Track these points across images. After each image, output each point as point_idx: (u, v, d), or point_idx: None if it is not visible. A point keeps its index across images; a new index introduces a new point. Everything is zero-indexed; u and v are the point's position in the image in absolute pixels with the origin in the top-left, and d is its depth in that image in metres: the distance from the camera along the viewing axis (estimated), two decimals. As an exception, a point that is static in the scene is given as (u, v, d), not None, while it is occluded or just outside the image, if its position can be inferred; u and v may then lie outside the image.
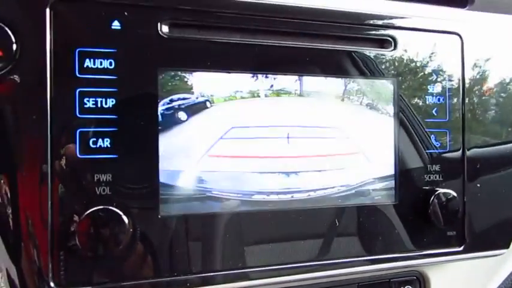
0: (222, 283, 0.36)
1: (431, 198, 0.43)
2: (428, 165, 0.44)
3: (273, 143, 0.39)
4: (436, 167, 0.44)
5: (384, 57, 0.43)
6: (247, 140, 0.38)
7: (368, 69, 0.42)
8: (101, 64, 0.34)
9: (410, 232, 0.44)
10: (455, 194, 0.44)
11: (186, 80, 0.36)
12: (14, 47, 0.31)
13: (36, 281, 0.32)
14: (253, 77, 0.38)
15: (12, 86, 0.31)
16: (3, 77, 0.31)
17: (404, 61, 0.44)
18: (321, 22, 0.40)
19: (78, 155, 0.33)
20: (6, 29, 0.31)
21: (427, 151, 0.44)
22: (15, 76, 0.31)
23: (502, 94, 0.49)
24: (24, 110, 0.32)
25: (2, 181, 0.31)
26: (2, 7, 0.31)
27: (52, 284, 0.32)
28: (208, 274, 0.36)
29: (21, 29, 0.32)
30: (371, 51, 0.42)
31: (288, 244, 0.39)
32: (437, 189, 0.43)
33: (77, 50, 0.33)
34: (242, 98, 0.38)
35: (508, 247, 0.48)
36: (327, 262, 0.40)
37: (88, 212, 0.32)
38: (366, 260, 0.42)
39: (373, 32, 0.43)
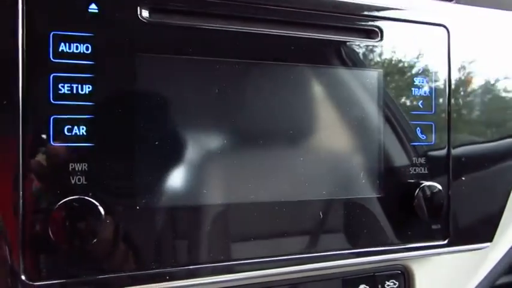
0: (195, 277, 0.35)
1: (416, 191, 0.43)
2: (414, 158, 0.44)
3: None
4: (422, 160, 0.44)
5: (369, 47, 0.42)
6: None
7: (354, 60, 0.41)
8: (76, 49, 0.32)
9: (395, 225, 0.43)
10: (440, 188, 0.44)
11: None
12: None
13: (7, 274, 0.31)
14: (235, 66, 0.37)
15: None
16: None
17: (391, 52, 0.43)
18: (307, 11, 0.40)
19: (52, 143, 0.32)
20: None
21: (412, 144, 0.44)
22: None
23: (491, 89, 0.49)
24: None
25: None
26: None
27: (23, 277, 0.31)
28: (186, 268, 0.35)
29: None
30: (358, 42, 0.42)
31: (272, 237, 0.38)
32: (422, 182, 0.43)
33: (51, 34, 0.32)
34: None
35: (491, 241, 0.48)
36: (311, 255, 0.40)
37: (62, 202, 0.31)
38: (351, 253, 0.42)
39: (361, 23, 0.42)
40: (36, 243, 0.31)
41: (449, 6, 0.51)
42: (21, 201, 0.31)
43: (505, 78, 0.50)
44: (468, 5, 0.53)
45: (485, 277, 0.55)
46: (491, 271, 0.55)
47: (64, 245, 0.31)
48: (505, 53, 0.51)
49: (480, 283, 0.54)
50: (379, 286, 0.49)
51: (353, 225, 0.41)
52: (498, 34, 0.51)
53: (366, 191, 0.41)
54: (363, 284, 0.48)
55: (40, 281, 0.31)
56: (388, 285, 0.49)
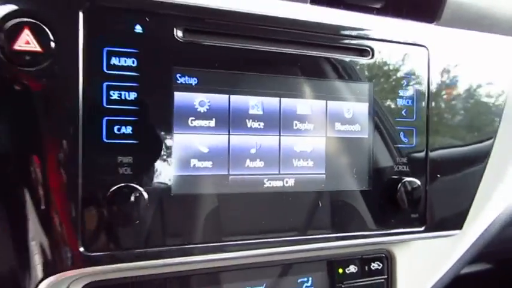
0: (215, 252, 0.43)
1: (399, 186, 0.51)
2: (397, 158, 0.52)
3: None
4: (404, 160, 0.52)
5: (362, 64, 0.50)
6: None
7: (348, 74, 0.49)
8: (125, 62, 0.39)
9: (380, 214, 0.51)
10: (419, 183, 0.52)
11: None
12: (53, 45, 0.36)
13: (68, 246, 0.37)
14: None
15: (51, 78, 0.37)
16: (44, 70, 0.36)
17: (380, 68, 0.51)
18: (311, 33, 0.47)
19: (104, 140, 0.38)
20: (46, 28, 0.36)
21: (396, 146, 0.52)
22: (53, 70, 0.37)
23: (463, 100, 0.58)
24: (60, 100, 0.37)
25: (43, 161, 0.37)
26: (42, 9, 0.36)
27: (81, 249, 0.37)
28: (209, 244, 0.42)
29: (59, 30, 0.37)
30: (352, 59, 0.49)
31: (274, 221, 0.46)
32: (404, 178, 0.51)
33: (105, 49, 0.39)
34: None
35: (461, 228, 0.56)
36: (302, 238, 0.47)
37: (114, 188, 0.38)
38: (342, 236, 0.49)
39: (355, 42, 0.50)
40: (92, 221, 0.38)
41: (430, 27, 0.59)
42: (80, 187, 0.37)
43: (476, 92, 0.59)
44: (446, 26, 0.61)
45: (455, 263, 0.63)
46: (460, 258, 0.63)
47: (114, 222, 0.38)
48: (477, 69, 0.59)
49: (451, 268, 0.62)
50: (366, 267, 0.56)
51: (345, 213, 0.49)
52: (472, 52, 0.59)
53: (357, 184, 0.49)
54: (352, 264, 0.55)
55: (95, 252, 0.38)
56: (373, 267, 0.57)
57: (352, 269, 0.55)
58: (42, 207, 0.37)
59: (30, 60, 0.36)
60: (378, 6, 0.62)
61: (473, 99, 0.58)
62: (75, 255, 0.37)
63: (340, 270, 0.55)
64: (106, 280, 0.43)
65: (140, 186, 0.39)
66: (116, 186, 0.38)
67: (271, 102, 0.45)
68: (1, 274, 0.41)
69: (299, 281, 0.53)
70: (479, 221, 0.64)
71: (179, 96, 0.41)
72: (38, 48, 0.36)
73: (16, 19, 0.35)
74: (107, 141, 0.39)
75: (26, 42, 0.36)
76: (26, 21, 0.36)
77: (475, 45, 0.60)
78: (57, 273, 0.38)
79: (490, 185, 0.62)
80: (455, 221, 0.56)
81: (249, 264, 0.49)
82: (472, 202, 0.57)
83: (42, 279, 0.38)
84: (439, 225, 0.54)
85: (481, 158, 0.59)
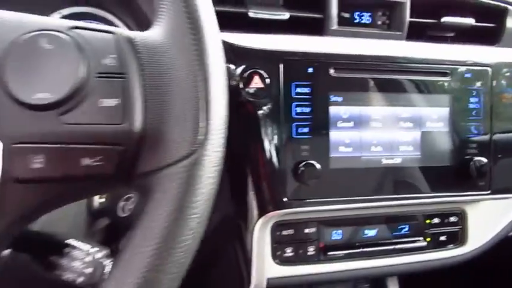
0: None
1: (471, 163, 0.75)
2: (469, 144, 0.75)
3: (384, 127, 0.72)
4: (474, 145, 0.76)
5: (443, 81, 0.74)
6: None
7: (435, 89, 0.74)
8: (303, 90, 0.67)
9: (457, 182, 0.75)
10: (485, 161, 0.75)
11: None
12: (268, 81, 0.65)
13: (277, 198, 0.66)
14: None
15: (268, 101, 0.65)
16: (264, 97, 0.65)
17: (456, 83, 0.75)
18: (409, 64, 0.72)
19: (294, 136, 0.67)
20: (263, 73, 0.65)
21: (468, 135, 0.76)
22: (269, 97, 0.65)
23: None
24: (272, 113, 0.65)
25: (262, 147, 0.65)
26: (263, 63, 0.65)
27: (285, 199, 0.66)
28: (350, 198, 0.70)
29: (271, 74, 0.65)
30: (437, 79, 0.74)
31: (384, 186, 0.72)
32: (474, 157, 0.75)
33: (293, 83, 0.67)
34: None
35: (517, 194, 0.79)
36: (404, 196, 0.73)
37: (300, 164, 0.66)
38: (429, 196, 0.74)
39: (438, 66, 0.74)
40: (291, 181, 0.66)
41: (492, 50, 0.82)
42: (281, 163, 0.66)
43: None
44: (507, 47, 0.83)
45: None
46: None
47: (301, 183, 0.66)
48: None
49: (509, 223, 0.85)
50: (445, 220, 0.81)
51: (433, 181, 0.74)
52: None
53: (442, 162, 0.74)
54: (436, 217, 0.80)
55: (292, 200, 0.66)
56: (451, 220, 0.81)
57: (436, 220, 0.80)
58: (262, 173, 0.66)
59: (257, 93, 0.64)
60: (451, 35, 0.86)
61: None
62: (281, 201, 0.66)
63: (428, 221, 0.80)
64: (297, 219, 0.72)
65: (314, 161, 0.67)
66: (301, 163, 0.66)
67: (386, 110, 0.71)
68: (227, 217, 0.71)
69: (399, 227, 0.79)
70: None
71: (332, 109, 0.69)
72: (261, 86, 0.65)
73: (249, 70, 0.64)
74: (295, 136, 0.67)
75: (255, 83, 0.64)
76: (255, 71, 0.64)
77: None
78: (268, 213, 0.67)
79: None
80: (512, 187, 0.79)
81: (369, 214, 0.76)
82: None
83: (259, 218, 0.68)
84: (500, 190, 0.77)
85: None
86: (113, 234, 0.59)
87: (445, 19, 0.80)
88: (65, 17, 0.71)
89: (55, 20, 0.33)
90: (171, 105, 0.32)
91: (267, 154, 0.66)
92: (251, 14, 0.69)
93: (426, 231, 0.80)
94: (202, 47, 0.33)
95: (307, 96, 0.67)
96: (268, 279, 0.71)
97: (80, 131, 0.31)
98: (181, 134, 0.32)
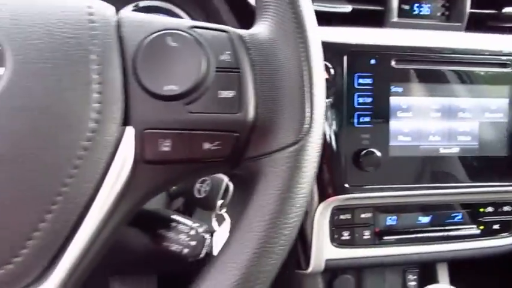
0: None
1: (526, 154, 0.76)
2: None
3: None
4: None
5: (503, 72, 0.75)
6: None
7: (494, 80, 0.75)
8: (365, 81, 0.70)
9: (513, 172, 0.77)
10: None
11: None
12: (332, 72, 0.68)
13: (338, 184, 0.70)
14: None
15: (331, 95, 0.68)
16: (329, 90, 0.67)
17: (515, 74, 0.76)
18: (469, 55, 0.74)
19: (356, 125, 0.70)
20: (328, 64, 0.67)
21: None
22: (331, 89, 0.68)
23: None
24: (337, 103, 0.69)
25: (325, 135, 0.69)
26: (329, 56, 0.67)
27: (346, 185, 0.70)
28: (409, 185, 0.72)
29: (335, 66, 0.68)
30: (497, 70, 0.75)
31: (441, 174, 0.74)
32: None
33: (356, 75, 0.69)
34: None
35: None
36: (460, 185, 0.75)
37: (362, 151, 0.69)
38: (484, 185, 0.76)
39: (498, 58, 0.75)
40: (351, 168, 0.69)
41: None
42: (345, 151, 0.69)
43: None
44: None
45: None
46: None
47: (362, 169, 0.69)
48: None
49: None
50: (499, 209, 0.82)
51: (490, 171, 0.75)
52: None
53: (499, 152, 0.75)
54: (489, 206, 0.82)
55: (353, 186, 0.69)
56: (504, 209, 0.82)
57: (490, 209, 0.82)
58: (324, 161, 0.69)
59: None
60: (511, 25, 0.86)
61: None
62: (342, 187, 0.69)
63: (481, 209, 0.81)
64: (354, 204, 0.75)
65: (374, 149, 0.69)
66: (362, 151, 0.69)
67: (445, 101, 0.73)
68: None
69: (453, 215, 0.81)
70: None
71: (392, 99, 0.71)
72: (326, 76, 0.67)
73: None
74: (356, 125, 0.70)
75: (320, 74, 0.67)
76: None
77: None
78: (329, 198, 0.71)
79: None
80: None
81: (424, 201, 0.78)
82: None
83: (320, 203, 0.71)
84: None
85: None
86: (188, 214, 0.64)
87: (507, 9, 0.80)
88: (138, 9, 0.76)
89: (176, 20, 0.37)
90: (280, 96, 0.36)
91: (330, 142, 0.69)
92: (315, 7, 0.72)
93: (479, 219, 0.82)
94: (307, 42, 0.36)
95: (369, 87, 0.70)
96: (326, 261, 0.75)
97: (202, 119, 0.35)
98: (289, 122, 0.36)
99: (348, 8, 0.73)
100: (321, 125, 0.37)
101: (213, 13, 0.71)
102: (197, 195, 0.63)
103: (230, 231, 0.36)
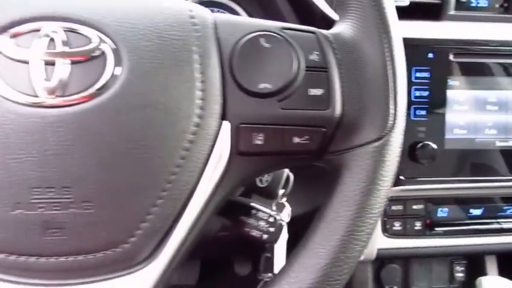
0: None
1: None
2: None
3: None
4: None
5: None
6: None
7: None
8: (422, 74, 0.70)
9: None
10: None
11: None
12: None
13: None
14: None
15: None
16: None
17: None
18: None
19: (412, 118, 0.71)
20: None
21: None
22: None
23: None
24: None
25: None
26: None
27: (401, 177, 0.71)
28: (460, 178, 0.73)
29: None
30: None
31: (494, 166, 0.74)
32: None
33: (413, 68, 0.70)
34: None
35: None
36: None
37: (418, 144, 0.70)
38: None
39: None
40: (407, 161, 0.71)
41: None
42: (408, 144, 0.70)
43: None
44: None
45: None
46: None
47: (419, 162, 0.70)
48: None
49: None
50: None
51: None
52: None
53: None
54: None
55: (408, 178, 0.71)
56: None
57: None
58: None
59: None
60: None
61: None
62: (397, 179, 0.71)
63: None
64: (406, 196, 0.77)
65: (430, 142, 0.70)
66: (418, 144, 0.70)
67: (502, 94, 0.73)
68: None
69: (505, 207, 0.81)
70: None
71: (449, 93, 0.72)
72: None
73: None
74: (412, 118, 0.71)
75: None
76: None
77: None
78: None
79: None
80: None
81: (476, 194, 0.79)
82: None
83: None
84: None
85: None
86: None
87: None
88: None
89: (267, 22, 0.39)
90: (365, 94, 0.38)
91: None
92: (373, 1, 0.73)
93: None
94: (391, 42, 0.38)
95: (426, 81, 0.71)
96: (378, 250, 0.77)
97: (293, 115, 0.37)
98: (373, 119, 0.38)
99: (405, 2, 0.73)
100: (403, 121, 0.39)
101: (274, 13, 0.73)
102: (259, 185, 0.65)
103: (314, 220, 0.39)
